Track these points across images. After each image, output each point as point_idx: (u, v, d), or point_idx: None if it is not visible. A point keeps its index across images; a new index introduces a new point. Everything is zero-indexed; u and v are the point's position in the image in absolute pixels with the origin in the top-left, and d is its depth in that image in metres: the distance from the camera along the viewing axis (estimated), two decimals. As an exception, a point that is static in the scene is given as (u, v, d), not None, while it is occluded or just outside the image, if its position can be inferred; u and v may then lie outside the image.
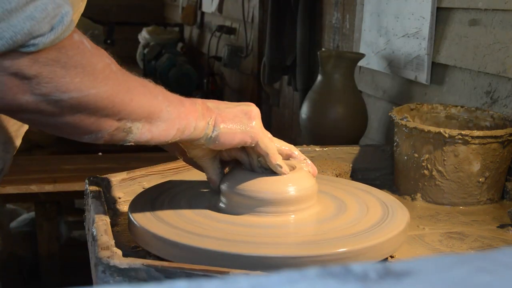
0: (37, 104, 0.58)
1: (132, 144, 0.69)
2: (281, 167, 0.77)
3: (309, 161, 0.84)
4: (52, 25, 0.55)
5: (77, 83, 0.58)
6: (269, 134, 0.80)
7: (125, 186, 0.96)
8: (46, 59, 0.56)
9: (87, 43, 0.60)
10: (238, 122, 0.74)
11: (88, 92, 0.59)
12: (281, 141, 0.83)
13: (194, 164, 0.82)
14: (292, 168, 0.80)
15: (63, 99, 0.58)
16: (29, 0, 0.54)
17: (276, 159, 0.77)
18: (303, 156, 0.84)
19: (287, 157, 0.82)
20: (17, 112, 0.60)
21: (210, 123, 0.72)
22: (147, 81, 0.70)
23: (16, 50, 0.55)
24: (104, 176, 0.94)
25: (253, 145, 0.75)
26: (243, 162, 0.80)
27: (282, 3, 2.18)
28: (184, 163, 0.87)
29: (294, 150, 0.83)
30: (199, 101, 0.74)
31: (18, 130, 0.83)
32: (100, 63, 0.61)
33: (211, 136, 0.73)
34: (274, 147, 0.78)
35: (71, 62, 0.58)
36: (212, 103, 0.76)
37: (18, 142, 0.84)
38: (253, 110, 0.76)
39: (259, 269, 0.65)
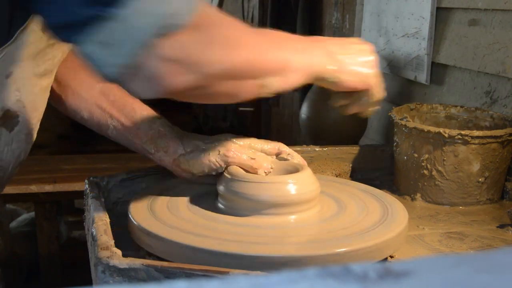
0: (192, 83, 0.63)
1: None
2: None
3: (298, 156, 0.86)
4: (190, 6, 0.60)
5: (223, 55, 0.65)
6: (247, 140, 0.84)
7: (125, 186, 0.96)
8: (190, 39, 0.61)
9: (220, 14, 0.66)
10: (354, 71, 0.82)
11: (233, 60, 0.65)
12: (267, 141, 0.85)
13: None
14: (296, 169, 0.80)
15: (213, 72, 0.64)
16: None
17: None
18: (291, 151, 0.86)
19: (276, 155, 0.83)
20: (175, 95, 0.64)
21: (331, 68, 0.79)
22: (272, 32, 0.76)
23: (163, 33, 0.58)
24: (104, 176, 0.94)
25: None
26: None
27: (281, 3, 2.18)
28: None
29: (282, 147, 0.85)
30: (321, 44, 0.81)
31: (37, 123, 0.85)
32: (237, 32, 0.67)
33: (333, 81, 0.80)
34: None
35: (212, 37, 0.63)
36: (334, 46, 0.82)
37: (35, 134, 0.86)
38: (370, 53, 0.86)
39: (259, 269, 0.65)
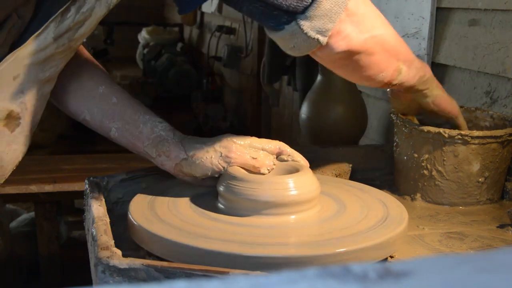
0: (363, 44, 0.76)
1: (396, 85, 0.88)
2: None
3: (299, 155, 0.85)
4: None
5: (379, 24, 0.78)
6: (248, 139, 0.83)
7: (125, 186, 0.96)
8: (353, 12, 0.74)
9: None
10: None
11: (385, 31, 0.79)
12: (268, 140, 0.85)
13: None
14: (296, 170, 0.80)
15: (376, 34, 0.77)
16: None
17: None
18: (292, 151, 0.85)
19: (277, 154, 0.83)
20: (349, 56, 0.77)
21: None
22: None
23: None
24: (104, 176, 0.94)
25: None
26: None
27: (282, 3, 2.18)
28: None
29: (283, 147, 0.85)
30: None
31: (34, 126, 0.86)
32: (381, 15, 0.80)
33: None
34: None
35: (372, 7, 0.78)
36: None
37: (31, 138, 0.86)
38: None
39: (259, 269, 0.65)
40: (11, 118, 0.79)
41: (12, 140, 0.81)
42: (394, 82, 0.86)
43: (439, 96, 0.97)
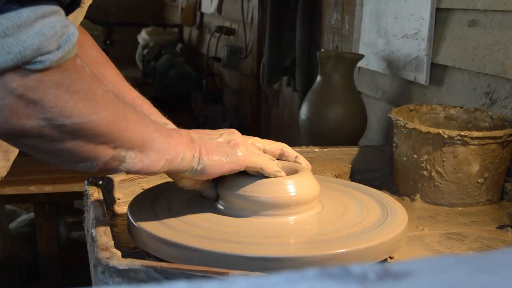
0: (40, 129, 0.58)
1: (123, 173, 0.69)
2: (279, 171, 0.78)
3: (301, 157, 0.84)
4: (59, 44, 0.55)
5: (80, 108, 0.59)
6: (250, 139, 0.80)
7: (125, 187, 0.96)
8: (51, 82, 0.56)
9: (87, 68, 0.60)
10: (222, 152, 0.74)
11: (90, 118, 0.60)
12: (269, 141, 0.83)
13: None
14: (296, 171, 0.80)
15: (66, 124, 0.58)
16: (38, 16, 0.54)
17: (272, 168, 0.77)
18: (294, 153, 0.84)
19: (279, 156, 0.83)
20: (18, 137, 0.59)
21: (195, 155, 0.72)
22: (139, 111, 0.72)
23: (23, 66, 0.54)
24: (104, 177, 0.94)
25: (243, 169, 0.76)
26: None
27: (281, 4, 2.19)
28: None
29: (286, 148, 0.84)
30: (183, 132, 0.75)
31: None
32: (99, 89, 0.61)
33: (196, 169, 0.73)
34: (265, 159, 0.78)
35: (74, 86, 0.58)
36: (195, 134, 0.76)
37: (17, 150, 0.84)
38: (236, 138, 0.76)
39: (258, 270, 0.65)
40: None
41: None
42: (118, 171, 0.68)
43: (208, 166, 0.73)
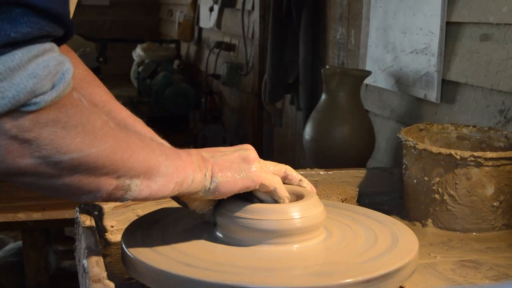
0: (37, 167, 0.59)
1: (131, 201, 0.71)
2: (288, 198, 0.79)
3: (305, 180, 0.85)
4: (53, 83, 0.57)
5: (78, 143, 0.60)
6: (262, 162, 0.80)
7: (118, 213, 0.96)
8: (47, 120, 0.57)
9: (84, 100, 0.61)
10: (236, 169, 0.75)
11: (89, 152, 0.61)
12: (274, 163, 0.84)
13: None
14: (301, 196, 0.80)
15: (63, 160, 0.60)
16: (31, 57, 0.55)
17: (284, 192, 0.79)
18: (299, 176, 0.85)
19: (282, 179, 0.83)
20: (15, 176, 0.60)
21: (207, 174, 0.74)
22: (144, 135, 0.73)
23: (17, 110, 0.55)
24: (96, 203, 0.94)
25: (257, 187, 0.77)
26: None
27: (284, 18, 2.20)
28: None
29: (289, 171, 0.84)
30: (194, 152, 0.76)
31: None
32: (99, 121, 0.63)
33: (209, 188, 0.74)
34: (279, 180, 0.79)
35: (71, 121, 0.59)
36: (207, 153, 0.77)
37: None
38: (250, 154, 0.78)
39: (260, 302, 0.65)
40: None
41: None
42: (125, 200, 0.69)
43: (222, 184, 0.75)
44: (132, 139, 0.68)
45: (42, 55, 0.56)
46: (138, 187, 0.68)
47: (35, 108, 0.56)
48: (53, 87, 0.56)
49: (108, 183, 0.65)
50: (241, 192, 0.76)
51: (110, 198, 0.67)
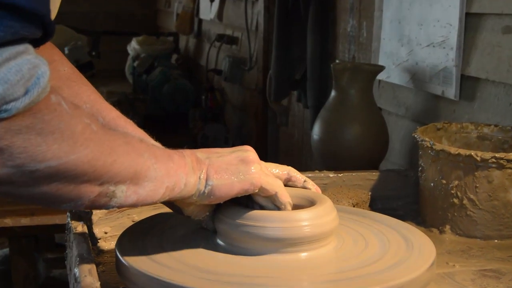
0: (10, 176, 0.58)
1: (116, 208, 0.70)
2: (291, 204, 0.78)
3: (310, 182, 0.84)
4: (26, 88, 0.56)
5: (55, 150, 0.59)
6: (262, 163, 0.80)
7: (112, 219, 0.96)
8: (20, 127, 0.57)
9: (64, 103, 0.61)
10: (233, 171, 0.75)
11: (68, 159, 0.60)
12: (276, 164, 0.84)
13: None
14: (307, 198, 0.80)
15: (39, 168, 0.59)
16: (3, 60, 0.54)
17: (287, 196, 0.78)
18: (303, 177, 0.85)
19: (285, 181, 0.83)
20: None
21: (201, 176, 0.73)
22: (131, 136, 0.72)
23: None
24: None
25: (257, 190, 0.76)
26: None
27: (290, 9, 2.20)
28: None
29: (293, 172, 0.84)
30: (188, 153, 0.75)
31: None
32: (80, 125, 0.62)
33: (204, 192, 0.73)
34: (281, 184, 0.79)
35: (48, 127, 0.58)
36: (202, 153, 0.76)
37: None
38: (249, 155, 0.77)
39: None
40: None
41: None
42: (110, 207, 0.69)
43: (217, 187, 0.74)
44: (118, 142, 0.67)
45: (15, 58, 0.55)
46: (124, 193, 0.67)
47: (6, 115, 0.55)
48: (26, 92, 0.56)
49: (90, 191, 0.64)
50: (239, 195, 0.76)
51: (93, 205, 0.67)
